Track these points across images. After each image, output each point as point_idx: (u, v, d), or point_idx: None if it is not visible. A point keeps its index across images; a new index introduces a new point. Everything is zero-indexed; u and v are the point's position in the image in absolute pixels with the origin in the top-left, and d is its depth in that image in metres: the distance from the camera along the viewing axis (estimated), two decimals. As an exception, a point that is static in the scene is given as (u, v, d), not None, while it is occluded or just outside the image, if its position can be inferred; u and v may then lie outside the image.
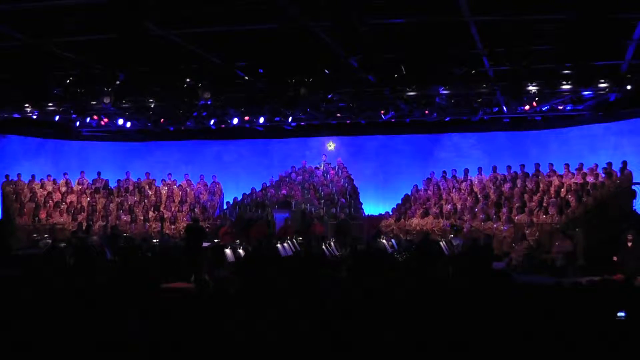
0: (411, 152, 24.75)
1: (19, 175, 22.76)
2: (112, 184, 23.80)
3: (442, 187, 21.72)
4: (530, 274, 15.51)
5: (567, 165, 20.14)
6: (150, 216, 21.65)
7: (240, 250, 16.40)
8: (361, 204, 22.97)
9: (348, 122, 22.30)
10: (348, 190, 22.70)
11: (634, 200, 18.35)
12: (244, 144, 25.88)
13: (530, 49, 14.56)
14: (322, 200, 21.80)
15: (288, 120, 21.48)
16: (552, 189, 19.27)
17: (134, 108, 20.69)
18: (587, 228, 16.80)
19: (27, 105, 20.03)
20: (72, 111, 20.60)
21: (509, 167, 21.27)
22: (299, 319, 6.26)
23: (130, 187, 23.46)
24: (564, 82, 17.55)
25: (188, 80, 17.28)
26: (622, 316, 6.32)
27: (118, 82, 17.06)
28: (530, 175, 20.70)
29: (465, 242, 17.64)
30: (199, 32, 13.28)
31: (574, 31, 12.89)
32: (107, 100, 18.16)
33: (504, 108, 20.25)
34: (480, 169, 21.79)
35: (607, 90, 17.96)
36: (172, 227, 20.82)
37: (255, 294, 7.80)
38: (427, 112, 20.09)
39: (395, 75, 16.69)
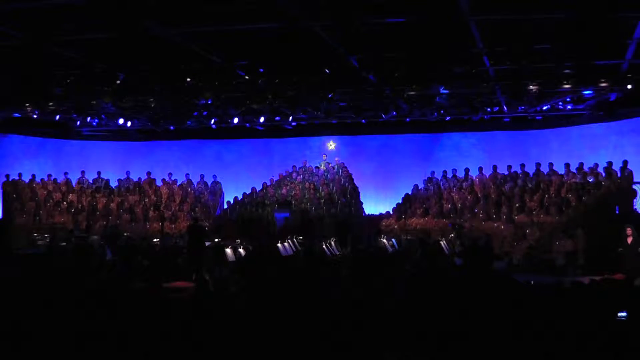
0: (412, 152, 24.74)
1: (19, 174, 22.79)
2: (113, 184, 23.81)
3: (442, 187, 21.73)
4: (531, 273, 15.50)
5: (568, 164, 20.14)
6: (150, 216, 21.64)
7: (241, 250, 16.41)
8: (361, 203, 22.97)
9: (348, 121, 22.31)
10: (348, 189, 22.70)
11: (635, 200, 18.37)
12: (245, 144, 25.88)
13: (531, 48, 14.55)
14: (323, 200, 21.79)
15: (288, 119, 21.49)
16: (552, 189, 19.28)
17: (135, 107, 20.68)
18: (588, 227, 16.81)
19: (27, 104, 20.02)
20: (72, 110, 20.61)
21: (510, 167, 21.27)
22: (299, 318, 6.26)
23: (131, 187, 23.46)
24: (565, 82, 17.54)
25: (188, 79, 17.27)
26: (623, 316, 6.32)
27: (118, 82, 17.05)
28: (531, 174, 20.70)
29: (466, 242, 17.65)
30: (199, 31, 13.27)
31: (575, 30, 12.89)
32: (107, 99, 18.19)
33: (505, 107, 20.26)
34: (480, 169, 21.80)
35: (607, 89, 17.95)
36: (173, 226, 20.81)
37: (256, 293, 7.80)
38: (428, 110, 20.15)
39: (396, 75, 16.68)
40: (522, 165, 21.01)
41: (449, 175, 22.11)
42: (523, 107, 20.05)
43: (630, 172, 18.96)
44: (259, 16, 12.19)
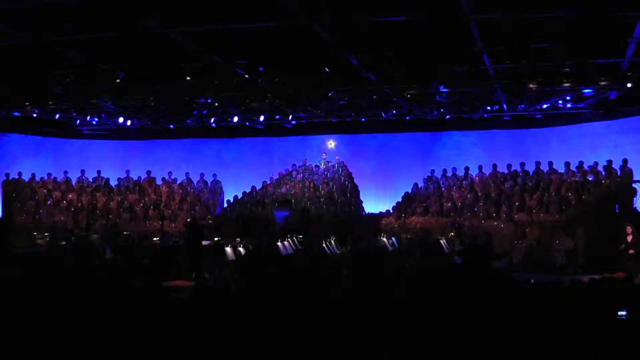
0: (411, 150, 24.77)
1: (19, 173, 22.75)
2: (113, 183, 23.80)
3: (442, 185, 21.73)
4: (531, 272, 15.51)
5: (568, 163, 20.12)
6: (150, 214, 21.64)
7: (241, 249, 16.41)
8: (361, 202, 22.98)
9: (348, 120, 22.31)
10: (348, 188, 22.70)
11: (635, 198, 18.37)
12: (245, 142, 25.92)
13: (531, 47, 14.55)
14: (323, 199, 21.79)
15: (288, 118, 21.49)
16: (552, 187, 19.27)
17: (135, 106, 20.67)
18: (588, 226, 16.80)
19: (27, 103, 20.02)
20: (72, 109, 20.61)
21: (509, 165, 21.26)
22: (299, 317, 6.26)
23: (131, 186, 23.45)
24: (565, 80, 17.53)
25: (188, 78, 17.28)
26: (623, 315, 6.31)
27: (118, 81, 17.06)
28: (531, 173, 20.69)
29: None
30: (199, 30, 13.27)
31: (575, 29, 12.89)
32: (107, 98, 18.20)
33: (505, 106, 20.27)
34: (480, 167, 21.79)
35: (607, 88, 17.95)
36: (173, 225, 20.81)
37: (256, 292, 7.80)
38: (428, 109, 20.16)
39: (396, 74, 16.69)
40: (522, 164, 20.99)
41: (449, 173, 22.11)
42: (523, 106, 20.06)
43: (630, 171, 18.95)
44: (258, 15, 12.19)
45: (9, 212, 21.52)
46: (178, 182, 23.81)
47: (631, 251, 14.94)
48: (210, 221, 20.37)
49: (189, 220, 19.06)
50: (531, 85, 17.63)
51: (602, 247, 15.83)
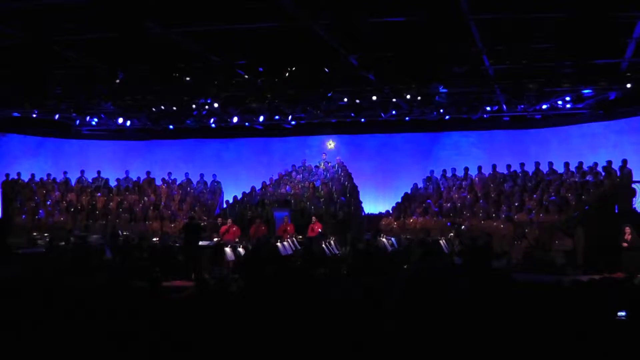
0: (411, 151, 24.77)
1: (18, 174, 22.74)
2: (112, 183, 23.78)
3: (442, 186, 21.73)
4: (530, 272, 15.51)
5: (567, 163, 20.13)
6: (150, 215, 21.62)
7: (240, 249, 16.42)
8: (361, 202, 22.97)
9: (348, 120, 22.30)
10: (348, 188, 22.69)
11: (634, 199, 18.37)
12: (244, 143, 25.91)
13: (530, 47, 14.56)
14: (322, 199, 21.78)
15: (288, 118, 21.48)
16: (552, 188, 19.27)
17: (134, 106, 20.65)
18: (587, 226, 16.80)
19: (27, 103, 19.99)
20: (71, 110, 20.60)
21: (509, 166, 21.26)
22: (298, 318, 6.26)
23: (130, 186, 23.43)
24: (564, 81, 17.53)
25: (188, 78, 17.27)
26: (622, 315, 6.31)
27: (118, 81, 17.04)
28: (530, 173, 20.70)
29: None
30: (199, 30, 13.28)
31: (574, 29, 12.88)
32: (106, 99, 18.19)
33: (504, 106, 20.27)
34: (480, 168, 21.78)
35: (607, 88, 17.95)
36: (172, 225, 20.79)
37: (256, 293, 7.80)
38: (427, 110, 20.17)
39: (395, 74, 16.67)
40: (522, 165, 21.00)
41: (449, 174, 22.11)
42: (522, 106, 20.07)
43: (630, 171, 18.95)
44: (258, 15, 12.20)
45: (9, 213, 21.51)
46: (178, 183, 23.81)
47: (625, 244, 15.00)
48: (204, 224, 20.28)
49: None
50: (531, 86, 17.62)
51: (602, 247, 15.84)
